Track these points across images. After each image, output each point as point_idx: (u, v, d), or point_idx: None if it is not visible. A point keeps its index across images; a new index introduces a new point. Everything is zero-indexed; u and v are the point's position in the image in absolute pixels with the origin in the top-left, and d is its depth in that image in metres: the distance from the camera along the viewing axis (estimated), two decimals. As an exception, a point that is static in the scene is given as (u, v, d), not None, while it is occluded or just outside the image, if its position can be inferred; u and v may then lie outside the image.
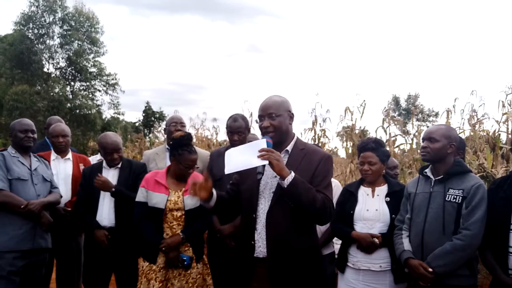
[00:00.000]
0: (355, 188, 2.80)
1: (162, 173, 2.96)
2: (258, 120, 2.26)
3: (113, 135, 3.36)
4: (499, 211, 2.32)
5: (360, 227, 2.68)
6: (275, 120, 2.19)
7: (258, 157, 2.01)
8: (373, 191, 2.76)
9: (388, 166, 3.44)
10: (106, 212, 3.18)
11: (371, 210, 2.68)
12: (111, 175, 3.24)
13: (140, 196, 2.91)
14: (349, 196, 2.78)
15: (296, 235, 2.15)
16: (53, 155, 3.55)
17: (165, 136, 4.31)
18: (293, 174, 2.04)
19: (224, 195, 2.32)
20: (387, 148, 7.41)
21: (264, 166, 2.12)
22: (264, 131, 2.21)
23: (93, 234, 3.14)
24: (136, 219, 2.91)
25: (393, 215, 2.64)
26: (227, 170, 2.11)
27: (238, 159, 2.09)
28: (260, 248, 2.17)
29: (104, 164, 3.30)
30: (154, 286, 2.76)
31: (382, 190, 2.74)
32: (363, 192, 2.77)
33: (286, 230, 2.13)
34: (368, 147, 2.77)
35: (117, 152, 3.23)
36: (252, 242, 2.18)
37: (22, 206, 2.82)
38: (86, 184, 3.25)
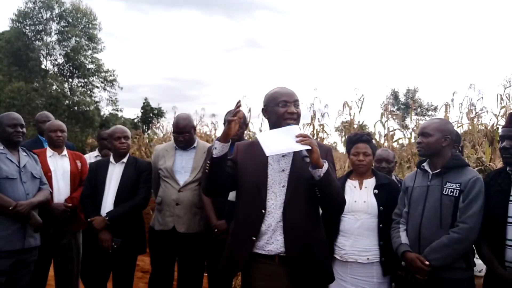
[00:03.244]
0: (342, 181, 2.79)
1: None
2: (280, 104, 2.14)
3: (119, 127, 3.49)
4: (495, 204, 2.33)
5: (348, 219, 2.68)
6: (299, 108, 2.20)
7: (298, 142, 1.96)
8: (360, 183, 2.77)
9: (386, 160, 3.45)
10: (109, 207, 3.22)
11: (359, 202, 2.69)
12: (116, 170, 3.31)
13: None
14: None
15: (311, 229, 2.17)
16: (49, 152, 3.54)
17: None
18: (327, 164, 2.02)
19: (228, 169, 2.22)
20: (386, 143, 7.43)
21: (301, 151, 2.01)
22: (289, 117, 2.13)
23: (94, 231, 3.14)
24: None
25: (380, 207, 2.65)
26: (268, 152, 2.03)
27: (277, 142, 2.01)
28: (273, 245, 2.11)
29: (111, 159, 3.37)
30: None
31: (370, 182, 2.76)
32: (350, 184, 2.78)
33: (303, 225, 2.13)
34: (363, 139, 2.79)
35: (125, 139, 3.34)
36: (253, 238, 2.13)
37: (10, 208, 2.75)
38: (92, 178, 3.31)
